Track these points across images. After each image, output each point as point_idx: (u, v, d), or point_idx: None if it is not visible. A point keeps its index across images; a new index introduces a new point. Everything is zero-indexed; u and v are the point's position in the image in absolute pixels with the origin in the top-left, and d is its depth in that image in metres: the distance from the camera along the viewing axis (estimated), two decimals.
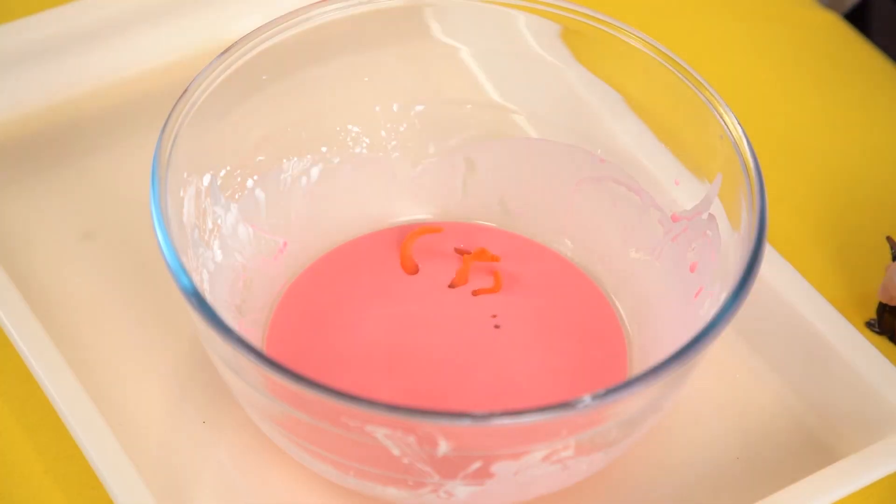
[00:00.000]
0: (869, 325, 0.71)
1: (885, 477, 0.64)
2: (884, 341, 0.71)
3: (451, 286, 0.69)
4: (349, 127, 0.72)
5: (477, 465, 0.58)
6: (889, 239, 0.70)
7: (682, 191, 0.68)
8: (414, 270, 0.70)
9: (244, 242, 0.68)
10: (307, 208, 0.71)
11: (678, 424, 0.67)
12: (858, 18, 0.93)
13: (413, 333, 0.67)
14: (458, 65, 0.73)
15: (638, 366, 0.67)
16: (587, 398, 0.56)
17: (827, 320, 0.68)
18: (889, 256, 0.73)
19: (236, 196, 0.68)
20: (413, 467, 0.58)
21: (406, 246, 0.70)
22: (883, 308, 0.71)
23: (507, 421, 0.55)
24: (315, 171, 0.71)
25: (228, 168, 0.68)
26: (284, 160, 0.70)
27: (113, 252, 0.72)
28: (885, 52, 0.85)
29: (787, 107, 0.82)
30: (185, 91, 0.64)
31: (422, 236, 0.70)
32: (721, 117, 0.65)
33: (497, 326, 0.68)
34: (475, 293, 0.69)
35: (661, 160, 0.69)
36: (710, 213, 0.66)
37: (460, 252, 0.71)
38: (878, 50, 0.85)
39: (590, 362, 0.67)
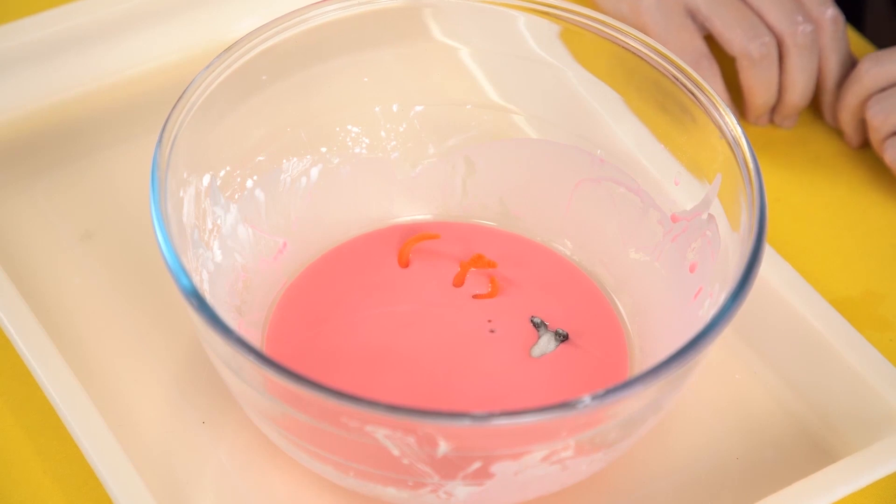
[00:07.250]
0: None
1: (885, 477, 0.64)
2: (884, 341, 0.71)
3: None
4: (349, 127, 0.72)
5: (477, 465, 0.58)
6: None
7: (682, 191, 0.68)
8: (407, 264, 0.70)
9: (244, 243, 0.68)
10: (307, 208, 0.71)
11: (678, 424, 0.67)
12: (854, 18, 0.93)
13: (413, 334, 0.67)
14: (458, 65, 0.73)
15: (638, 366, 0.67)
16: (587, 398, 0.56)
17: (827, 320, 0.68)
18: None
19: (236, 196, 0.68)
20: (413, 468, 0.58)
21: (403, 252, 0.70)
22: None
23: (506, 421, 0.55)
24: (315, 172, 0.71)
25: (228, 168, 0.68)
26: (284, 160, 0.70)
27: (113, 252, 0.72)
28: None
29: None
30: (185, 91, 0.64)
31: (420, 242, 0.70)
32: (721, 117, 0.65)
33: (492, 331, 0.68)
34: (475, 297, 0.69)
35: (661, 160, 0.69)
36: (709, 214, 0.66)
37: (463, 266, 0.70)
38: (874, 48, 0.85)
39: (590, 362, 0.67)
